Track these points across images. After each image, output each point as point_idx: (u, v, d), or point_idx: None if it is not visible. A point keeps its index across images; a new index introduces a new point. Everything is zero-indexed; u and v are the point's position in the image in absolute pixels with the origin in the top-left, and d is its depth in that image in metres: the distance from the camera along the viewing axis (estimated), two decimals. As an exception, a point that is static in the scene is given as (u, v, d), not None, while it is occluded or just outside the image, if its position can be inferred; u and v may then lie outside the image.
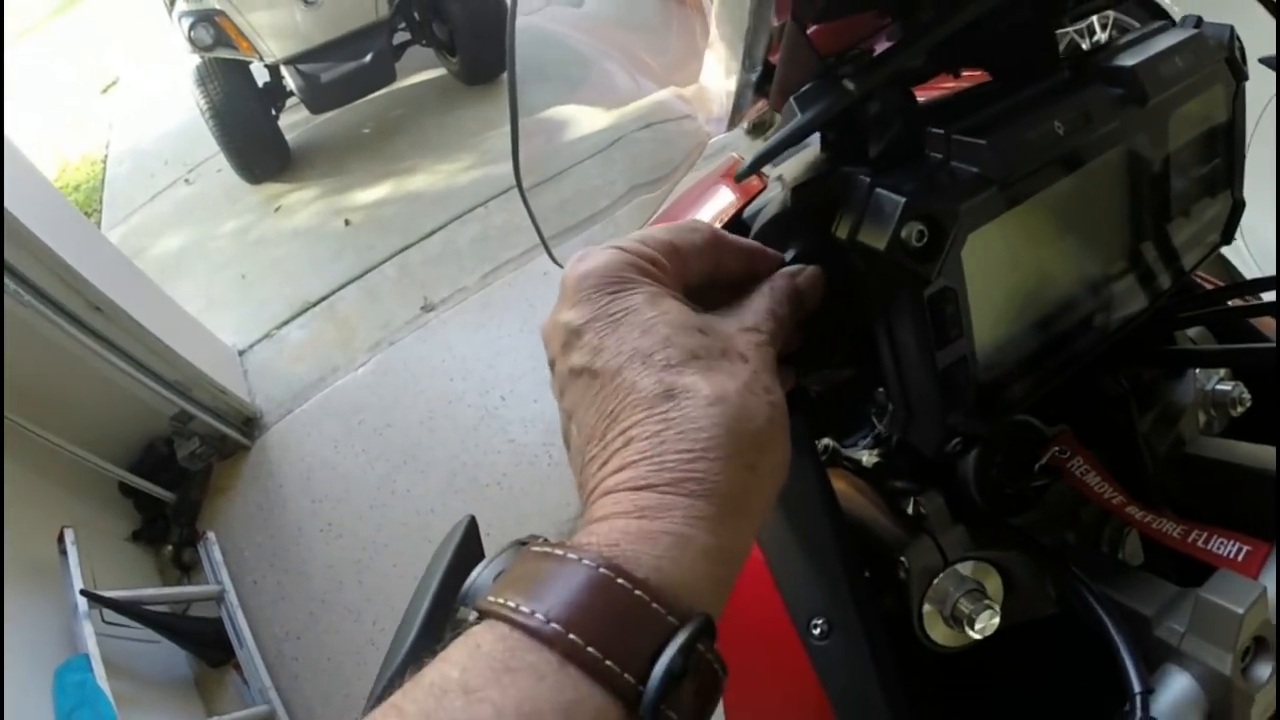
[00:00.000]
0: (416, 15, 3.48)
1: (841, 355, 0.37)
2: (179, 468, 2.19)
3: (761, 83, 0.39)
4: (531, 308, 2.29)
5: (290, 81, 3.30)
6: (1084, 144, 0.35)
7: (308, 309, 2.68)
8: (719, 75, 0.52)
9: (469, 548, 0.39)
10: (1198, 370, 0.47)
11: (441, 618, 0.37)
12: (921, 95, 0.38)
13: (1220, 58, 0.41)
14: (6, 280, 1.77)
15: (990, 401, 0.36)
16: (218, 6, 3.17)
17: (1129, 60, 0.38)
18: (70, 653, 1.50)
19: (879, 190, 0.31)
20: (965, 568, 0.41)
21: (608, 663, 0.22)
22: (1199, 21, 0.42)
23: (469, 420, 2.06)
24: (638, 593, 0.23)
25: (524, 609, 0.22)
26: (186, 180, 3.85)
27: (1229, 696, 0.34)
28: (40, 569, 1.64)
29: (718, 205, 0.62)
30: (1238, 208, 0.45)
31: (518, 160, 0.61)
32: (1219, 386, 0.48)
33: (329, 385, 2.34)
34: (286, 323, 2.66)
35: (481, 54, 3.45)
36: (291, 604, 1.88)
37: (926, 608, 0.41)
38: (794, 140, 0.34)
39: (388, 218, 2.99)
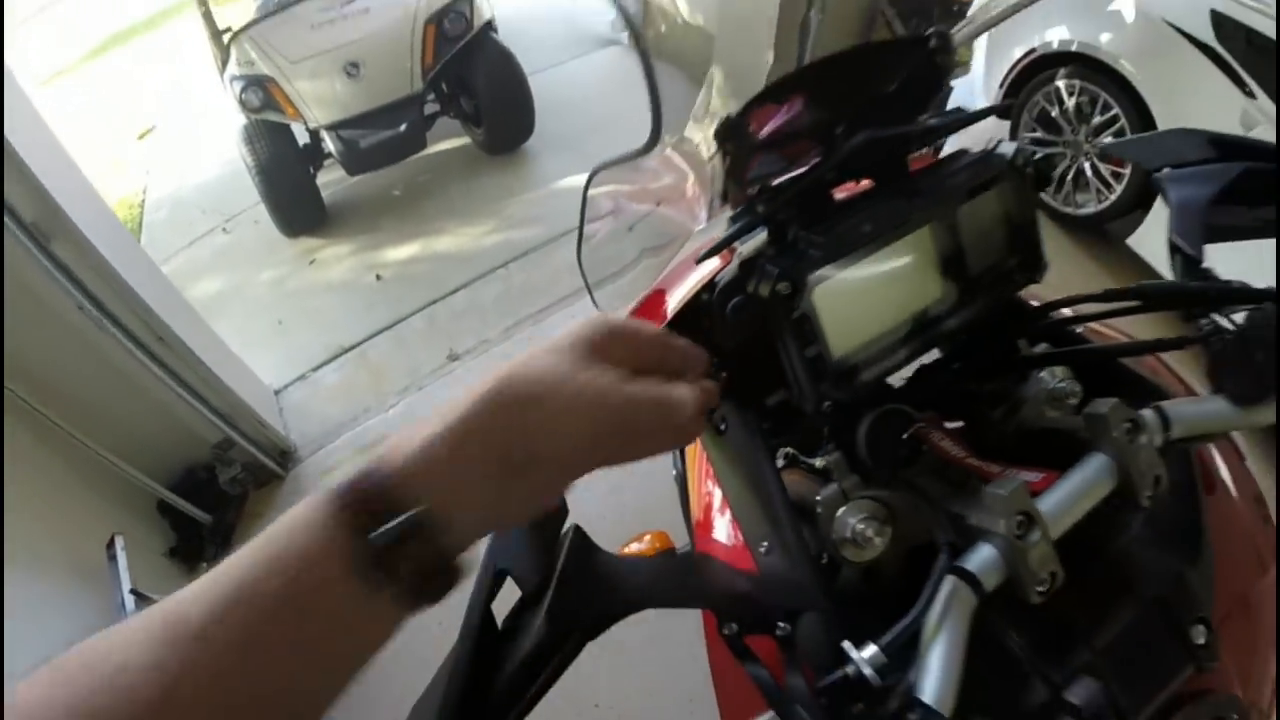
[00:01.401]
0: (446, 89, 3.74)
1: (770, 383, 0.60)
2: (216, 491, 2.35)
3: (724, 199, 0.62)
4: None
5: (329, 145, 3.57)
6: (890, 233, 0.55)
7: (341, 354, 2.91)
8: (702, 196, 0.88)
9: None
10: (1043, 373, 0.59)
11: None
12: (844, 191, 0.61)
13: (1003, 167, 0.59)
14: (87, 306, 1.95)
15: (847, 379, 0.56)
16: (268, 73, 3.49)
17: (928, 179, 0.59)
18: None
19: (767, 266, 0.52)
20: (861, 504, 0.54)
21: (347, 513, 0.30)
22: (997, 144, 0.61)
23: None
24: (385, 472, 0.31)
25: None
26: (224, 229, 4.09)
27: (1012, 553, 0.46)
28: (84, 570, 1.75)
29: (704, 270, 0.77)
30: (1038, 259, 0.62)
31: (581, 243, 1.10)
32: (1057, 385, 0.58)
33: (360, 424, 2.56)
34: (321, 366, 2.89)
35: (503, 126, 3.73)
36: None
37: (835, 533, 0.54)
38: (731, 240, 0.55)
39: (417, 274, 3.22)
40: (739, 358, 0.60)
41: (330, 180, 3.90)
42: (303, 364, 2.92)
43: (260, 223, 3.84)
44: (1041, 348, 0.67)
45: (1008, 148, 0.61)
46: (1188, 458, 0.60)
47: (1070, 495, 0.49)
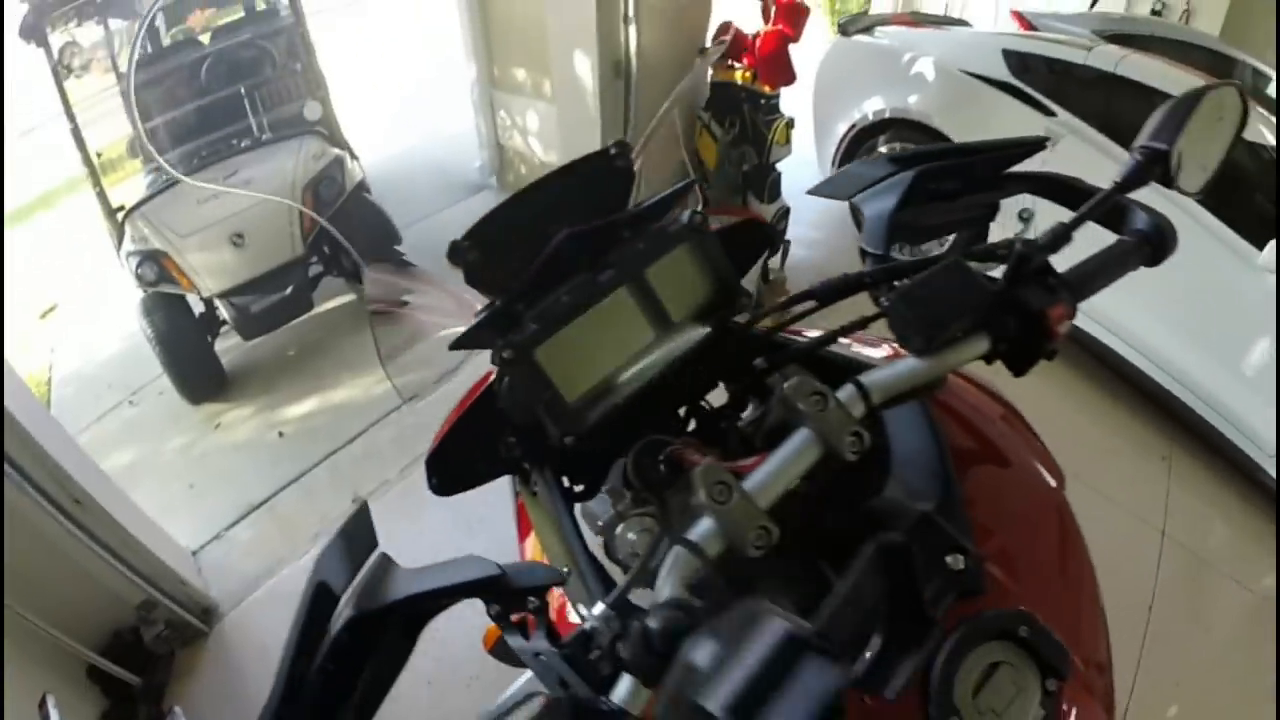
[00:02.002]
0: (326, 250, 3.94)
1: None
2: (144, 653, 2.36)
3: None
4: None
5: (224, 312, 3.73)
6: (586, 300, 0.66)
7: (252, 510, 3.03)
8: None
9: (327, 593, 0.55)
10: (785, 384, 0.60)
11: (303, 669, 0.49)
12: None
13: (680, 232, 0.71)
14: (10, 470, 1.97)
15: (583, 415, 0.66)
16: (161, 248, 3.64)
17: (618, 253, 0.70)
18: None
19: (500, 340, 0.64)
20: (632, 521, 0.62)
21: None
22: (676, 216, 0.73)
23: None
24: None
25: None
26: (131, 402, 4.15)
27: (723, 519, 0.51)
28: None
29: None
30: (734, 296, 0.73)
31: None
32: (788, 385, 0.60)
33: (276, 575, 2.69)
34: (234, 524, 2.99)
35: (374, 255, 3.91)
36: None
37: (619, 549, 0.61)
38: (471, 329, 0.66)
39: (316, 427, 3.40)
40: (530, 429, 0.70)
41: (228, 347, 4.05)
42: (217, 523, 3.03)
43: (165, 393, 3.96)
44: (759, 362, 0.74)
45: (685, 216, 0.72)
46: (929, 419, 0.66)
47: (776, 465, 0.54)
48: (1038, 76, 2.95)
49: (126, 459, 3.74)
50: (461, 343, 0.66)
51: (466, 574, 0.57)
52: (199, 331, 3.84)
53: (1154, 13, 6.05)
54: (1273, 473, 2.58)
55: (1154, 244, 0.70)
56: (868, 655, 0.51)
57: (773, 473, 0.54)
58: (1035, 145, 0.75)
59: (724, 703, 0.33)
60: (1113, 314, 2.89)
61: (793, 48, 3.61)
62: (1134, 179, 0.70)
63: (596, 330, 0.66)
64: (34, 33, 4.06)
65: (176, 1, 4.92)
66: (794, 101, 3.82)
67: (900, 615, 0.51)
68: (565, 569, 0.65)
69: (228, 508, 3.09)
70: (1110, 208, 0.70)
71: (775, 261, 3.54)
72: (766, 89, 3.68)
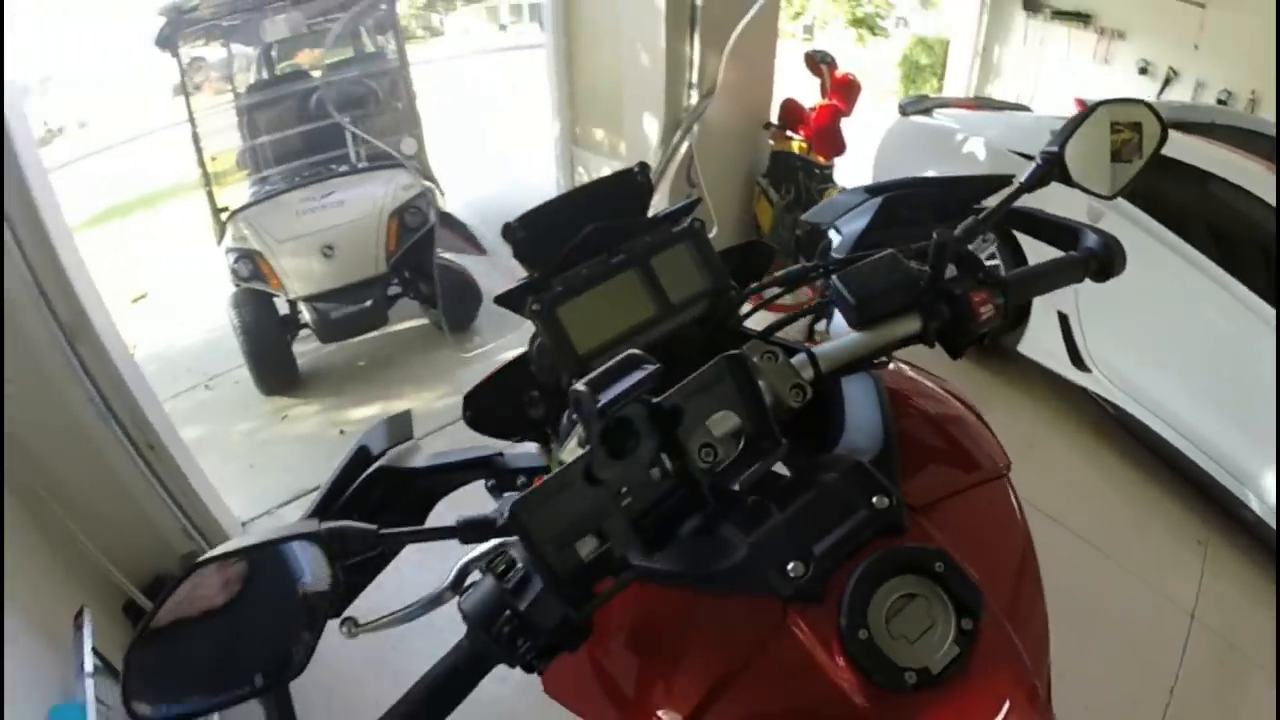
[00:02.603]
0: (407, 274, 4.21)
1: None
2: None
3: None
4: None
5: (305, 315, 4.02)
6: (600, 278, 0.76)
7: (304, 495, 3.19)
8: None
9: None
10: (745, 345, 0.64)
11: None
12: None
13: (680, 232, 0.81)
14: (97, 401, 2.09)
15: (587, 364, 0.72)
16: (257, 248, 3.97)
17: (631, 243, 0.80)
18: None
19: (533, 301, 0.74)
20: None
21: None
22: (689, 221, 0.82)
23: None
24: None
25: None
26: (206, 386, 4.44)
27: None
28: (49, 634, 1.77)
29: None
30: (725, 287, 0.81)
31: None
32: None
33: None
34: (285, 504, 3.18)
35: (455, 310, 4.20)
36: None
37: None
38: (515, 286, 0.76)
39: None
40: (552, 391, 0.81)
41: (305, 349, 4.32)
42: (269, 501, 3.23)
43: (240, 383, 4.25)
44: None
45: (687, 221, 0.84)
46: (881, 397, 0.74)
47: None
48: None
49: (195, 434, 3.91)
50: (503, 298, 0.78)
51: (473, 454, 0.71)
52: (280, 329, 4.11)
53: (1220, 101, 6.16)
54: None
55: (1101, 259, 0.79)
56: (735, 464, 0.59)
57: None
58: (1000, 181, 0.84)
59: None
60: (1151, 390, 2.90)
61: (845, 121, 3.89)
62: (1036, 178, 0.82)
63: (607, 301, 0.78)
64: (169, 44, 4.62)
65: (293, 37, 5.48)
66: (853, 172, 4.02)
67: (755, 431, 0.60)
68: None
69: (281, 490, 3.29)
70: (1064, 230, 0.83)
71: (821, 325, 3.73)
72: (821, 159, 3.94)
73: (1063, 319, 3.11)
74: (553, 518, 0.54)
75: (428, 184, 4.41)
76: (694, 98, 3.87)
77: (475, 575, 0.61)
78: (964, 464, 0.75)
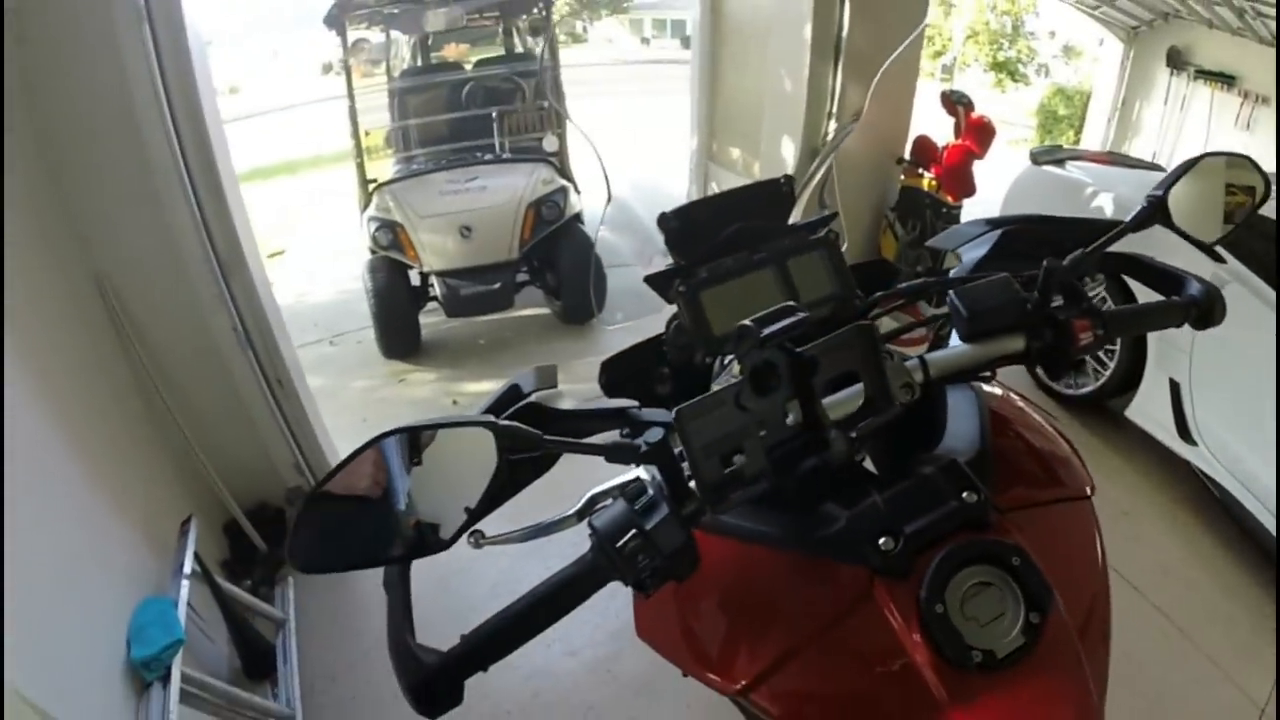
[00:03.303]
0: (535, 263, 4.44)
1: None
2: (279, 530, 2.50)
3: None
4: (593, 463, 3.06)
5: (436, 288, 4.22)
6: (742, 272, 0.84)
7: None
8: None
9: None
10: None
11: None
12: None
13: (816, 240, 0.87)
14: (239, 330, 2.21)
15: (721, 343, 0.81)
16: (399, 220, 4.19)
17: (771, 245, 0.86)
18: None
19: (680, 284, 0.82)
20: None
21: None
22: (825, 230, 0.89)
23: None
24: None
25: None
26: (331, 342, 4.72)
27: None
28: (152, 537, 1.82)
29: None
30: (851, 293, 0.87)
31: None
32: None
33: None
34: None
35: (578, 302, 4.41)
36: (339, 655, 2.19)
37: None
38: (666, 269, 0.85)
39: None
40: (680, 371, 0.89)
41: (429, 321, 4.53)
42: None
43: (363, 343, 4.50)
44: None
45: (824, 232, 0.90)
46: (981, 408, 0.79)
47: (847, 392, 0.70)
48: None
49: (316, 383, 4.10)
50: (652, 279, 0.83)
51: (611, 405, 0.77)
52: (410, 298, 4.33)
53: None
54: None
55: (1202, 307, 0.82)
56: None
57: (851, 392, 0.70)
58: (1116, 226, 0.85)
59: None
60: (1260, 476, 2.80)
61: (977, 163, 3.88)
62: (1140, 219, 0.86)
63: (745, 293, 0.84)
64: (335, 23, 4.96)
65: (448, 30, 5.83)
66: (980, 216, 3.99)
67: (873, 392, 0.69)
68: None
69: (389, 445, 3.51)
70: (1169, 276, 0.86)
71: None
72: (950, 199, 3.95)
73: (1174, 386, 3.00)
74: (705, 425, 0.61)
75: (565, 182, 4.57)
76: (832, 126, 3.95)
77: (605, 503, 0.67)
78: (1051, 480, 0.79)
